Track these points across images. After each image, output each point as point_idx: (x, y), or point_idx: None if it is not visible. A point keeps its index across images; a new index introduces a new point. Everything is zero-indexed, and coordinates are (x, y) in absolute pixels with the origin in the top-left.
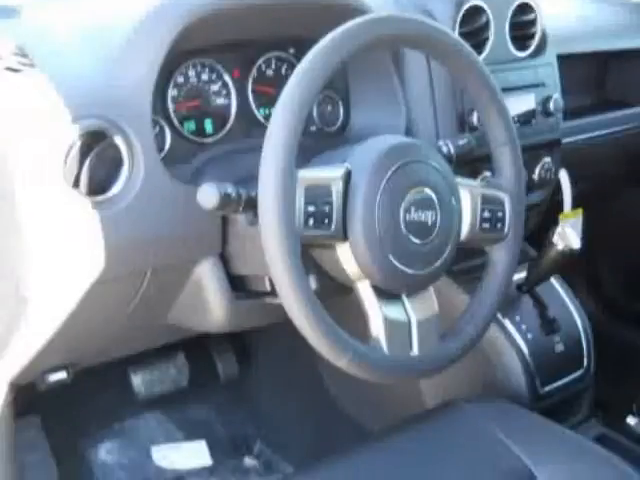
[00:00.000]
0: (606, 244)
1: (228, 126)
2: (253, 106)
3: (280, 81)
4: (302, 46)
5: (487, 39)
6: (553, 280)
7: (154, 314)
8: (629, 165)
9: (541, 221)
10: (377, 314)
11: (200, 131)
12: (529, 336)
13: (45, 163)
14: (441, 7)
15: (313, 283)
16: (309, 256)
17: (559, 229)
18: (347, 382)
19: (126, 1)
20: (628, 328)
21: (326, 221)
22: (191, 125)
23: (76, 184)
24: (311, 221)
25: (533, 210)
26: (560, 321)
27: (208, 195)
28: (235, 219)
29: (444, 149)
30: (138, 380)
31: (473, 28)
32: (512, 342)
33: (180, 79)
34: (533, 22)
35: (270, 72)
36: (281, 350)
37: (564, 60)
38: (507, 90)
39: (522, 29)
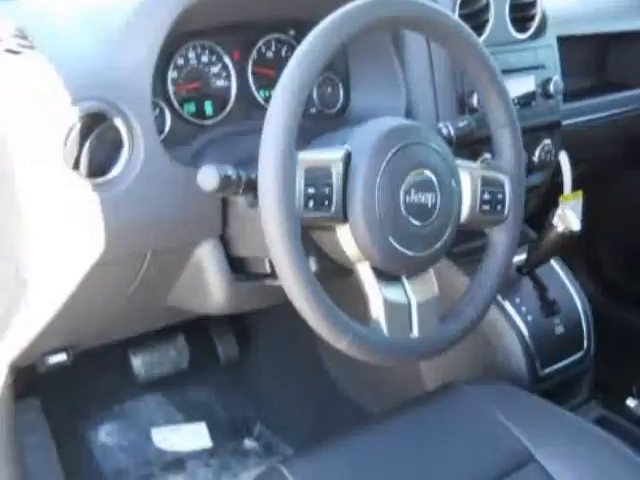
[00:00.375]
0: (606, 226)
1: (228, 108)
2: (253, 88)
3: (280, 63)
4: (302, 28)
5: (487, 21)
6: (553, 262)
7: (154, 296)
8: (629, 147)
9: (541, 203)
10: (377, 296)
11: (200, 113)
12: (529, 318)
13: (45, 145)
14: None
15: (313, 265)
16: (309, 238)
17: (559, 211)
18: (347, 364)
19: None
20: (628, 310)
21: (326, 203)
22: (191, 107)
23: (76, 166)
24: (311, 203)
25: (533, 192)
26: (560, 303)
27: (208, 177)
28: (235, 201)
29: (444, 131)
30: (138, 362)
31: (473, 10)
32: (512, 324)
33: (180, 61)
34: (533, 4)
35: (270, 54)
36: (281, 332)
37: (564, 42)
38: (507, 72)
39: (522, 11)
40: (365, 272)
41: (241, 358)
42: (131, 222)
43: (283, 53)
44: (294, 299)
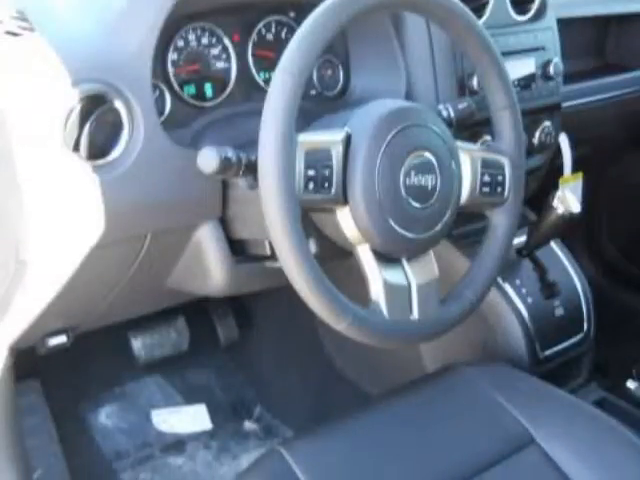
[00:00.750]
0: (606, 208)
1: (228, 90)
2: (253, 70)
3: (280, 45)
4: (302, 10)
5: (487, 3)
6: (553, 244)
7: (154, 278)
8: (629, 129)
9: (541, 185)
10: (377, 278)
11: (200, 95)
12: (529, 300)
13: (45, 127)
14: None
15: (313, 247)
16: (309, 220)
17: (559, 193)
18: (347, 346)
19: None
20: (628, 292)
21: (326, 185)
22: (191, 89)
23: (76, 148)
24: (311, 185)
25: (533, 174)
26: (560, 285)
27: (208, 159)
28: (235, 183)
29: (444, 113)
30: (138, 344)
31: None
32: (512, 306)
33: (180, 43)
34: None
35: (270, 36)
36: (281, 314)
37: (564, 24)
38: (507, 54)
39: None
40: (365, 254)
41: (241, 340)
42: (131, 204)
43: (283, 35)
44: (294, 281)
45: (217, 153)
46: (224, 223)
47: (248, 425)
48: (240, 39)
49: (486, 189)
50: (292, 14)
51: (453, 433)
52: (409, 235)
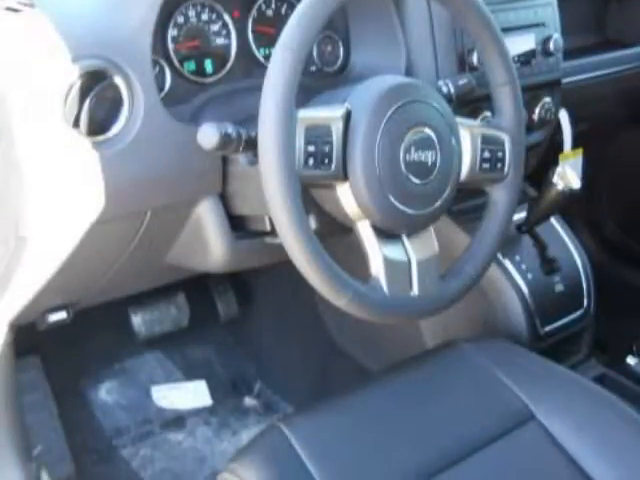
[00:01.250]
0: (606, 184)
1: (228, 66)
2: (253, 46)
3: (280, 21)
4: None
5: None
6: (553, 220)
7: (154, 254)
8: (629, 105)
9: (541, 161)
10: (377, 254)
11: (200, 71)
12: (529, 276)
13: (45, 103)
14: None
15: (313, 223)
16: (309, 196)
17: (559, 169)
18: (347, 322)
19: None
20: (628, 268)
21: (326, 161)
22: (191, 65)
23: (76, 124)
24: (311, 161)
25: (533, 150)
26: (560, 261)
27: (208, 135)
28: (235, 159)
29: (444, 89)
30: (138, 320)
31: None
32: (512, 282)
33: (180, 19)
34: None
35: (270, 12)
36: (281, 290)
37: (564, 0)
38: (507, 30)
39: None
40: (365, 230)
41: (241, 316)
42: (131, 180)
43: (283, 11)
44: (294, 257)
45: (217, 129)
46: (224, 199)
47: (248, 401)
48: (240, 15)
49: (486, 165)
50: None
51: (453, 409)
52: (409, 211)
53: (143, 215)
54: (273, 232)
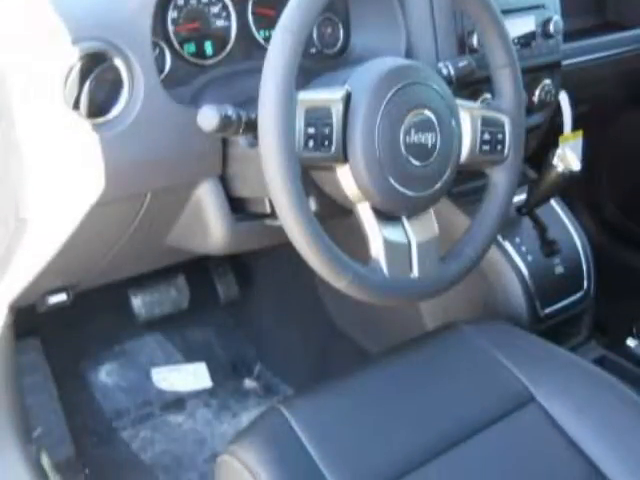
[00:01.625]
0: (606, 166)
1: (228, 48)
2: (253, 28)
3: (280, 3)
4: None
5: None
6: (553, 202)
7: (154, 236)
8: (629, 87)
9: (541, 143)
10: (377, 236)
11: (200, 53)
12: (529, 258)
13: (45, 85)
14: None
15: (313, 205)
16: (309, 178)
17: (559, 151)
18: (347, 305)
19: None
20: (628, 250)
21: (326, 143)
22: (191, 47)
23: (76, 106)
24: (311, 143)
25: (533, 132)
26: (560, 243)
27: (208, 117)
28: (235, 141)
29: (444, 71)
30: (138, 302)
31: None
32: (512, 264)
33: (180, 1)
34: None
35: None
36: (281, 273)
37: None
38: (507, 12)
39: None
40: (365, 212)
41: (241, 298)
42: (131, 162)
43: None
44: (294, 239)
45: (217, 111)
46: (224, 181)
47: (248, 383)
48: None
49: (486, 147)
50: None
51: (453, 391)
52: (409, 193)
53: (143, 197)
54: (273, 214)
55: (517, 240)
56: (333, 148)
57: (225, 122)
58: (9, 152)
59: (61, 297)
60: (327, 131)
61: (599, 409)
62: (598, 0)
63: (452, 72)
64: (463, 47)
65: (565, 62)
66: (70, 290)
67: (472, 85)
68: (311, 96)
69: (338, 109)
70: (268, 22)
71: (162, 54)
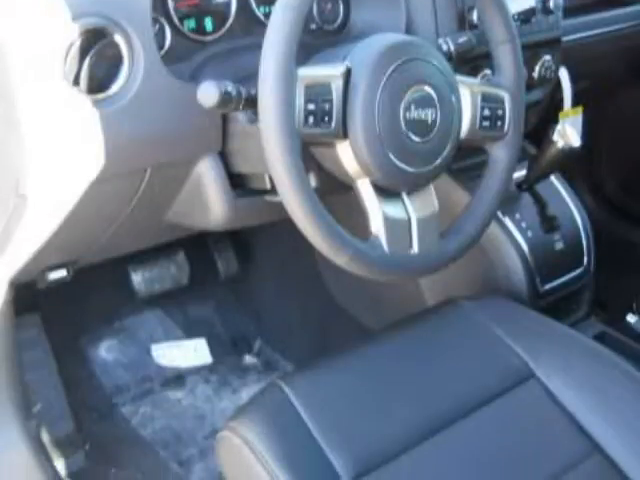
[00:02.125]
0: (606, 142)
1: (228, 24)
2: (253, 4)
3: None
4: None
5: None
6: (553, 178)
7: (154, 212)
8: (629, 63)
9: (541, 119)
10: (377, 212)
11: (200, 29)
12: (529, 234)
13: (45, 61)
14: None
15: (313, 181)
16: (309, 154)
17: (559, 127)
18: (347, 281)
19: None
20: (628, 226)
21: (326, 119)
22: (191, 23)
23: (76, 82)
24: (311, 119)
25: (533, 108)
26: (560, 219)
27: (208, 93)
28: (235, 117)
29: (444, 47)
30: (138, 278)
31: None
32: (512, 240)
33: None
34: None
35: None
36: (282, 249)
37: None
38: None
39: None
40: (365, 188)
41: (241, 274)
42: (131, 138)
43: None
44: (294, 215)
45: (217, 87)
46: (224, 157)
47: (248, 359)
48: None
49: (486, 123)
50: None
51: (453, 367)
52: (409, 169)
53: (143, 173)
54: (273, 190)
55: (517, 216)
56: (333, 124)
57: (225, 98)
58: (9, 128)
59: (61, 273)
60: (327, 107)
61: (599, 385)
62: None
63: (452, 48)
64: (463, 23)
65: (565, 38)
66: (70, 266)
67: (472, 61)
68: (311, 72)
69: (338, 85)
70: None
71: (162, 30)
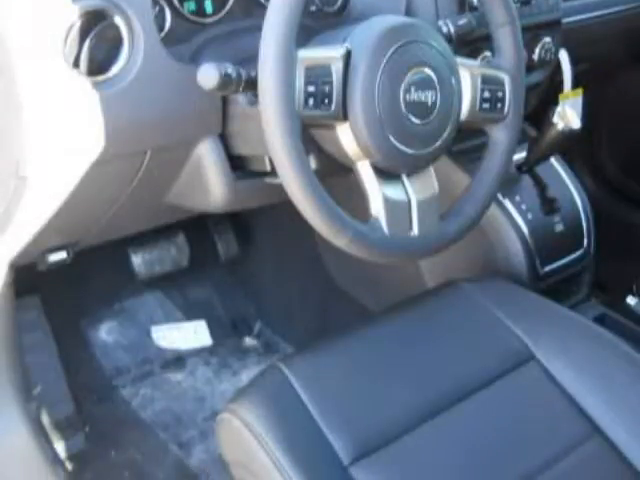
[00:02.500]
0: (606, 124)
1: (228, 6)
2: None
3: None
4: None
5: None
6: (553, 160)
7: (154, 194)
8: (629, 45)
9: (541, 101)
10: (377, 194)
11: (200, 11)
12: (529, 216)
13: (45, 43)
14: None
15: (313, 163)
16: (309, 136)
17: (559, 109)
18: (348, 263)
19: None
20: (628, 208)
21: (326, 101)
22: (191, 5)
23: (76, 64)
24: (311, 101)
25: (533, 90)
26: (560, 201)
27: (208, 75)
28: (235, 99)
29: (444, 29)
30: (138, 260)
31: None
32: (512, 222)
33: None
34: None
35: None
36: (282, 231)
37: None
38: None
39: None
40: (365, 170)
41: (241, 256)
42: (131, 120)
43: None
44: (294, 197)
45: (217, 69)
46: (224, 139)
47: (248, 341)
48: None
49: (486, 105)
50: None
51: (453, 349)
52: (409, 151)
53: (143, 155)
54: (273, 172)
55: (517, 198)
56: (333, 106)
57: (225, 80)
58: (9, 110)
59: (61, 255)
60: (327, 89)
61: (599, 367)
62: None
63: (452, 30)
64: (463, 5)
65: (565, 20)
66: (70, 248)
67: (472, 43)
68: (311, 54)
69: (338, 67)
70: None
71: (162, 12)
